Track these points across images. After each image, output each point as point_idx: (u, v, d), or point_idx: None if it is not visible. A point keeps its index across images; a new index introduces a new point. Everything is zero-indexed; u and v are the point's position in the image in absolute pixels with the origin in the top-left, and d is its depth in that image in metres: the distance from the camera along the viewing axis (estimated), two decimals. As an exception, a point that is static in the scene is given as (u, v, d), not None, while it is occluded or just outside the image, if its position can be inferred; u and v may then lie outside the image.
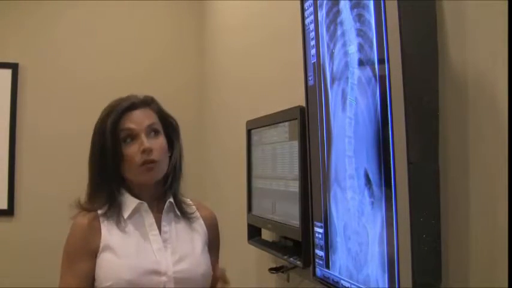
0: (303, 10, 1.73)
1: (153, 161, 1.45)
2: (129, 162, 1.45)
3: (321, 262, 1.67)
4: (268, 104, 2.34)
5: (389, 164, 1.22)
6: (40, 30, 3.64)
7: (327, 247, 1.62)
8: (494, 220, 1.13)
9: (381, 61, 1.26)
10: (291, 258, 1.96)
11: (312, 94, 1.69)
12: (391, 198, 1.23)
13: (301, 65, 1.76)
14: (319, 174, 1.66)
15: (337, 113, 1.52)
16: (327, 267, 1.63)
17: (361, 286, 1.42)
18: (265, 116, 2.26)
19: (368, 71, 1.34)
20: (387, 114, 1.23)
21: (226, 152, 3.20)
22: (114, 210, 1.46)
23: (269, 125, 2.20)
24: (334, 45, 1.52)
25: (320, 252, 1.67)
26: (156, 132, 1.49)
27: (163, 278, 1.42)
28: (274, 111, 2.16)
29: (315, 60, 1.66)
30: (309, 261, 1.78)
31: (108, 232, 1.44)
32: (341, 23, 1.48)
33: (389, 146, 1.23)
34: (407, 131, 1.16)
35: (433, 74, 1.23)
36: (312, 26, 1.67)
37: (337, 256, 1.56)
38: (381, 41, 1.25)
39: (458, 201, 1.22)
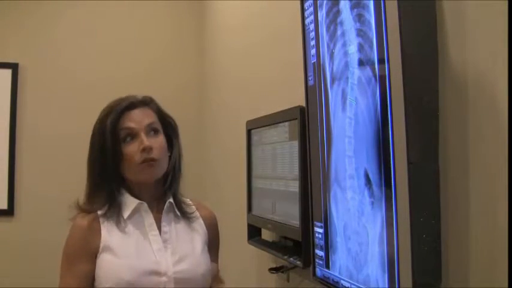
0: (303, 10, 1.73)
1: (153, 159, 1.45)
2: (129, 161, 1.45)
3: (321, 262, 1.67)
4: (268, 104, 2.34)
5: (389, 164, 1.22)
6: (40, 30, 3.64)
7: (327, 247, 1.62)
8: (494, 220, 1.13)
9: (381, 61, 1.26)
10: (291, 258, 1.96)
11: (312, 94, 1.69)
12: (391, 198, 1.23)
13: (301, 65, 1.76)
14: (319, 174, 1.66)
15: (337, 113, 1.52)
16: (327, 267, 1.63)
17: (361, 286, 1.42)
18: (265, 116, 2.26)
19: (368, 71, 1.34)
20: (387, 114, 1.23)
21: (226, 152, 3.20)
22: (113, 210, 1.46)
23: (269, 125, 2.20)
24: (334, 45, 1.52)
25: (320, 252, 1.67)
26: (156, 131, 1.49)
27: (164, 279, 1.42)
28: (274, 111, 2.16)
29: (315, 60, 1.66)
30: (309, 261, 1.78)
31: (108, 233, 1.44)
32: (341, 23, 1.48)
33: (389, 146, 1.23)
34: (407, 131, 1.16)
35: (433, 74, 1.23)
36: (312, 26, 1.67)
37: (337, 256, 1.56)
38: (381, 41, 1.25)
39: (458, 201, 1.22)
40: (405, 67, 1.17)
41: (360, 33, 1.37)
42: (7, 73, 3.54)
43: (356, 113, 1.41)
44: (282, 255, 2.07)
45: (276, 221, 2.11)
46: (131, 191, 1.49)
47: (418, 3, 1.23)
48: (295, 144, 1.92)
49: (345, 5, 1.45)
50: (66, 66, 3.64)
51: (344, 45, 1.46)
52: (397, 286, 1.23)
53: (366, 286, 1.39)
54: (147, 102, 1.52)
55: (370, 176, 1.34)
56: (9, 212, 3.52)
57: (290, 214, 1.96)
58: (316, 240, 1.70)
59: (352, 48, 1.42)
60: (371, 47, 1.31)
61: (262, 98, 2.58)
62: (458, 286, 1.22)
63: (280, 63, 2.34)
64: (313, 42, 1.67)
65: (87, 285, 1.42)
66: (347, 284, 1.49)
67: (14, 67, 3.55)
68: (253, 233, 2.43)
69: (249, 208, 2.43)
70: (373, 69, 1.31)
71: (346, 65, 1.45)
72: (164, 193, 1.52)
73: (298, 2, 1.75)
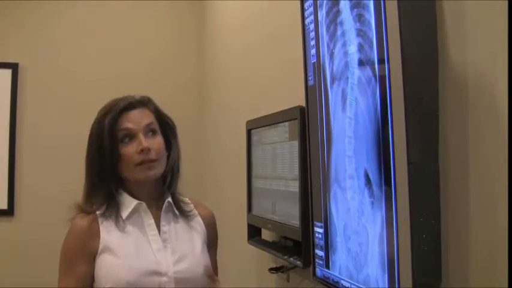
0: (303, 10, 1.73)
1: (151, 160, 1.45)
2: (127, 162, 1.44)
3: (321, 262, 1.67)
4: (268, 104, 2.34)
5: (389, 164, 1.22)
6: (40, 30, 3.64)
7: (327, 247, 1.62)
8: (494, 220, 1.13)
9: (381, 61, 1.26)
10: (291, 258, 1.96)
11: (312, 94, 1.69)
12: (391, 198, 1.23)
13: (301, 65, 1.76)
14: (319, 174, 1.66)
15: (337, 113, 1.52)
16: (327, 267, 1.63)
17: (361, 286, 1.41)
18: (265, 116, 2.26)
19: (368, 71, 1.34)
20: (387, 114, 1.23)
21: (226, 152, 3.20)
22: (112, 210, 1.46)
23: (269, 125, 2.20)
24: (334, 45, 1.52)
25: (320, 252, 1.67)
26: (154, 131, 1.49)
27: (164, 279, 1.42)
28: (274, 111, 2.16)
29: (315, 60, 1.66)
30: (309, 261, 1.78)
31: (107, 233, 1.44)
32: (341, 23, 1.48)
33: (389, 146, 1.23)
34: (407, 131, 1.16)
35: (433, 74, 1.23)
36: (312, 26, 1.67)
37: (337, 256, 1.56)
38: (381, 41, 1.25)
39: (458, 201, 1.22)
40: (405, 67, 1.16)
41: (360, 33, 1.37)
42: (7, 73, 3.54)
43: (356, 113, 1.41)
44: (282, 255, 2.07)
45: (276, 221, 2.11)
46: (129, 190, 1.49)
47: (418, 3, 1.23)
48: (295, 144, 1.92)
49: (345, 5, 1.45)
50: (66, 66, 3.65)
51: (344, 45, 1.46)
52: (397, 286, 1.23)
53: (366, 286, 1.39)
54: (145, 103, 1.52)
55: (370, 176, 1.34)
56: (9, 212, 3.52)
57: (290, 214, 1.96)
58: (316, 240, 1.70)
59: (352, 48, 1.42)
60: (371, 47, 1.31)
61: (262, 98, 2.58)
62: (458, 286, 1.21)
63: (280, 63, 2.34)
64: (313, 42, 1.67)
65: (86, 286, 1.42)
66: (347, 284, 1.49)
67: (14, 67, 3.55)
68: (253, 233, 2.43)
69: (249, 208, 2.43)
70: (373, 69, 1.31)
71: (346, 65, 1.45)
72: (163, 193, 1.52)
73: (298, 2, 1.75)
